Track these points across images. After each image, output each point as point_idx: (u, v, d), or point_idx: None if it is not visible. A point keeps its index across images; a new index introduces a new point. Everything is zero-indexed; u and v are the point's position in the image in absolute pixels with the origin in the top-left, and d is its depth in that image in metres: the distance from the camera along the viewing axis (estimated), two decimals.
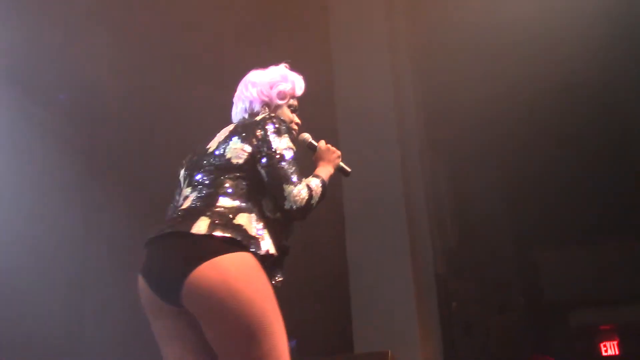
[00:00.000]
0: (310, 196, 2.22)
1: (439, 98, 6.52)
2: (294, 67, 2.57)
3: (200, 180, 2.28)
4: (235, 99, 2.53)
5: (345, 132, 5.71)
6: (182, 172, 2.39)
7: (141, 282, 2.11)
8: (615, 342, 8.12)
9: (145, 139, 5.88)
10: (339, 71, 5.88)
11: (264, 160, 2.22)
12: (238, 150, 2.25)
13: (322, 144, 2.53)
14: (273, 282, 2.13)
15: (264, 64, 2.59)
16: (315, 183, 2.27)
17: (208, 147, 2.36)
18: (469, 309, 5.65)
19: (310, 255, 5.86)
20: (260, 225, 2.15)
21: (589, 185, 7.26)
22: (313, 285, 5.79)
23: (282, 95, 2.50)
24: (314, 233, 5.75)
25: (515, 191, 7.44)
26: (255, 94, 2.48)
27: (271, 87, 2.51)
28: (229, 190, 2.20)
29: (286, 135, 2.27)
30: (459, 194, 7.12)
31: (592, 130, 7.23)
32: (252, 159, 2.23)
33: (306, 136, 2.56)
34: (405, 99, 6.05)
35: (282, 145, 2.24)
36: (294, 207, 2.18)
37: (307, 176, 2.28)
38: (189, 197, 2.25)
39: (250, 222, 2.13)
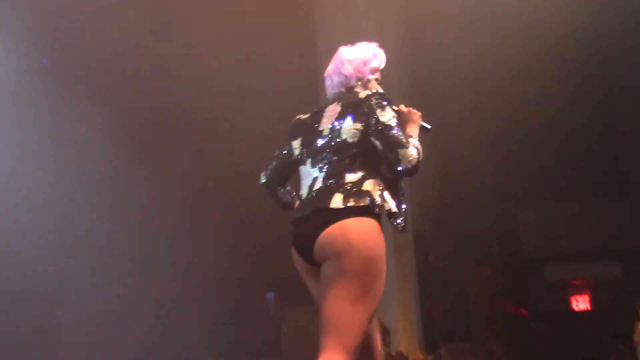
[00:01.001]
0: (419, 154, 2.56)
1: (424, 56, 6.47)
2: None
3: (325, 161, 2.65)
4: (330, 73, 2.85)
5: (323, 59, 5.65)
6: (299, 150, 2.68)
7: (294, 252, 2.57)
8: (586, 297, 8.30)
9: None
10: (321, 18, 5.78)
11: (375, 132, 2.56)
12: (352, 130, 2.59)
13: (402, 107, 2.79)
14: (396, 223, 2.47)
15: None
16: (417, 143, 2.60)
17: (322, 129, 2.70)
18: (446, 263, 5.72)
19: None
20: (382, 186, 2.53)
21: (570, 146, 7.29)
22: (289, 241, 5.79)
23: (373, 71, 2.81)
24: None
25: (497, 149, 7.46)
26: (351, 70, 2.80)
27: (364, 65, 2.81)
28: (351, 166, 2.56)
29: (388, 106, 2.59)
30: (441, 151, 7.12)
31: (575, 94, 7.25)
32: (365, 134, 2.56)
33: (393, 105, 2.75)
34: (390, 56, 5.97)
35: (387, 117, 2.58)
36: (409, 166, 2.51)
37: None
38: (318, 178, 2.62)
39: (374, 187, 2.52)
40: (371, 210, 2.46)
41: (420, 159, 2.56)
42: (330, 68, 2.87)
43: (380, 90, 2.74)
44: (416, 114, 2.79)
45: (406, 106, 2.74)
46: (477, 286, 5.33)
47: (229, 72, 5.85)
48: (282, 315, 4.67)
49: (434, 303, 5.68)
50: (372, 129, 2.59)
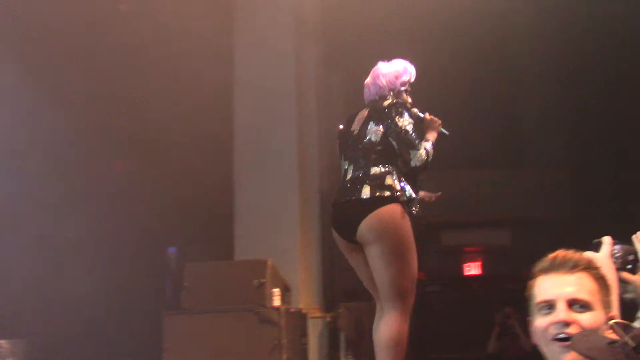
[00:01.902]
0: (428, 155, 3.25)
1: (340, 19, 6.46)
2: None
3: (353, 156, 3.33)
4: (368, 84, 3.50)
5: (241, 45, 5.59)
6: (338, 148, 3.44)
7: (334, 232, 3.31)
8: (478, 263, 8.74)
9: None
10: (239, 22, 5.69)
11: (393, 134, 3.25)
12: (375, 131, 3.29)
13: (427, 115, 3.48)
14: (414, 209, 3.23)
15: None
16: (429, 146, 3.30)
17: (353, 130, 3.38)
18: None
19: (196, 164, 5.77)
20: (400, 179, 3.23)
21: (472, 116, 7.54)
22: (197, 194, 5.73)
23: (403, 84, 3.49)
24: (203, 143, 5.66)
25: None
26: (385, 83, 3.45)
27: (396, 78, 3.48)
28: (376, 161, 3.26)
29: (406, 113, 3.28)
30: (350, 111, 7.19)
31: (479, 68, 7.49)
32: (385, 135, 3.26)
33: (415, 110, 3.47)
34: (305, 19, 5.94)
35: (403, 122, 3.25)
36: (419, 164, 3.22)
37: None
38: (348, 170, 3.31)
39: (394, 180, 3.23)
40: (394, 199, 3.17)
41: (429, 159, 3.24)
42: (368, 79, 3.52)
43: (409, 100, 3.45)
44: (437, 122, 3.46)
45: (430, 114, 3.43)
46: None
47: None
48: (183, 270, 4.62)
49: (336, 262, 5.79)
50: (391, 131, 3.25)
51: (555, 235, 7.08)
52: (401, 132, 3.24)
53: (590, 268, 1.65)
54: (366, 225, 3.13)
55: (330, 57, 6.48)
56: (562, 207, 7.79)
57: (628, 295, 1.93)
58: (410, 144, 3.25)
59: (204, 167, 5.67)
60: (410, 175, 3.28)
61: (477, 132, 7.47)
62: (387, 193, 3.17)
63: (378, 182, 3.20)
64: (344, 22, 6.55)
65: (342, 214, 3.25)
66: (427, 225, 7.00)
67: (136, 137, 5.74)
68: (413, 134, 3.26)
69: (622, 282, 1.95)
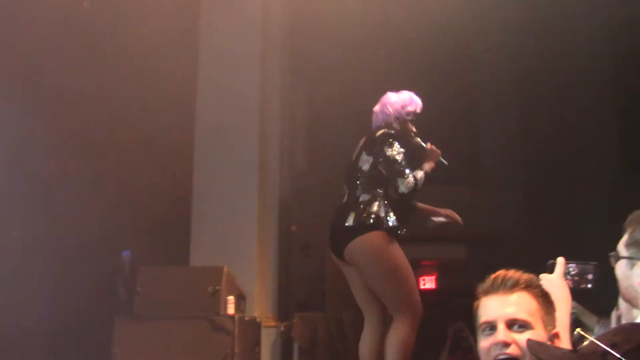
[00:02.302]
0: (417, 183, 3.50)
1: (307, 25, 6.49)
2: None
3: (349, 183, 3.61)
4: (376, 111, 3.79)
5: (206, 52, 5.55)
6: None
7: (329, 250, 3.66)
8: (433, 277, 8.81)
9: None
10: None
11: (383, 163, 3.52)
12: (366, 160, 3.56)
13: (428, 145, 3.77)
14: (399, 232, 3.52)
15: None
16: (420, 175, 3.56)
17: (353, 156, 3.68)
18: (307, 232, 5.82)
19: (155, 167, 5.70)
20: (386, 205, 3.48)
21: (430, 135, 7.62)
22: (154, 197, 5.64)
23: (408, 113, 3.78)
24: (163, 146, 5.59)
25: (366, 123, 7.66)
26: (392, 111, 3.75)
27: (403, 107, 3.77)
28: (365, 187, 3.52)
29: (395, 143, 3.54)
30: (313, 121, 7.21)
31: (443, 92, 7.61)
32: (375, 163, 3.53)
33: (418, 140, 3.81)
34: (271, 24, 5.93)
35: (392, 152, 3.51)
36: (406, 191, 3.47)
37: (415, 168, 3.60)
38: (344, 195, 3.60)
39: (380, 207, 3.47)
40: (376, 227, 3.44)
41: (419, 187, 3.50)
42: (376, 107, 3.79)
43: (413, 129, 3.76)
44: (437, 152, 3.74)
45: (431, 144, 3.70)
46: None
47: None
48: (136, 275, 4.54)
49: (292, 272, 5.78)
50: (380, 160, 3.51)
51: (508, 250, 7.20)
52: (389, 161, 3.52)
53: (530, 287, 1.67)
54: (350, 251, 3.48)
55: (295, 66, 6.48)
56: (515, 224, 7.93)
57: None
58: (398, 172, 3.52)
59: (163, 170, 5.59)
60: (402, 200, 3.56)
61: (449, 152, 7.56)
62: (370, 220, 3.47)
63: (363, 209, 3.50)
64: (310, 30, 6.58)
65: (333, 238, 3.62)
66: None
67: (93, 136, 5.64)
68: (402, 163, 3.53)
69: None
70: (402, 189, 3.52)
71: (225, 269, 4.60)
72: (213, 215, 5.39)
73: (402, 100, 3.81)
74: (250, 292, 5.16)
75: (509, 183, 8.21)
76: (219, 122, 5.53)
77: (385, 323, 3.74)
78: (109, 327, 4.44)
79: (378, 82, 7.01)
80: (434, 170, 3.77)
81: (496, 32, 7.60)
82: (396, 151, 3.54)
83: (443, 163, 3.76)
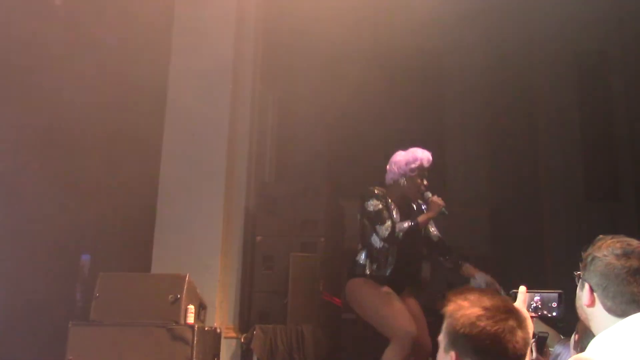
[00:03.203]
0: (393, 230, 4.10)
1: (279, 35, 6.49)
2: None
3: None
4: (387, 170, 4.29)
5: (176, 60, 5.51)
6: None
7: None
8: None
9: None
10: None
11: (364, 217, 4.24)
12: (359, 219, 4.30)
13: (432, 197, 4.22)
14: (379, 276, 4.25)
15: None
16: (404, 225, 4.16)
17: None
18: (272, 244, 5.77)
19: (119, 169, 5.61)
20: (369, 254, 4.24)
21: (397, 147, 7.65)
22: (117, 201, 5.55)
23: (412, 170, 4.22)
24: (129, 152, 5.51)
25: (335, 137, 7.68)
26: (396, 170, 4.24)
27: (406, 165, 4.22)
28: (360, 239, 4.32)
29: (372, 199, 4.17)
30: (283, 131, 7.19)
31: (410, 99, 7.67)
32: (362, 217, 4.26)
33: (428, 194, 4.26)
34: (243, 33, 5.91)
35: (370, 205, 4.15)
36: (386, 235, 4.10)
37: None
38: None
39: (361, 256, 4.28)
40: (355, 274, 4.25)
41: (397, 233, 4.07)
42: (388, 166, 4.27)
43: (424, 183, 4.22)
44: (439, 204, 4.17)
45: (436, 197, 4.18)
46: (298, 271, 5.44)
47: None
48: (95, 280, 4.45)
49: (255, 283, 5.72)
50: (361, 214, 4.22)
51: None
52: (368, 213, 4.14)
53: None
54: (346, 291, 4.39)
55: (266, 75, 6.46)
56: (480, 246, 8.00)
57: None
58: (375, 220, 4.13)
59: (128, 174, 5.51)
60: (380, 249, 4.18)
61: None
62: (354, 269, 4.26)
63: (353, 259, 4.33)
64: (282, 40, 6.58)
65: None
66: (348, 253, 7.04)
67: (57, 136, 5.52)
68: (379, 212, 4.10)
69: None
70: (382, 234, 4.09)
71: (187, 278, 4.53)
72: (177, 223, 5.31)
73: (406, 159, 4.22)
74: (211, 302, 5.09)
75: (476, 205, 8.29)
76: (188, 129, 5.47)
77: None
78: (65, 332, 4.34)
79: (349, 93, 7.06)
80: (430, 219, 4.31)
81: (466, 51, 7.70)
82: (372, 205, 4.12)
83: (444, 213, 4.17)
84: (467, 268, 4.38)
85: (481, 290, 1.75)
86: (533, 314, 2.00)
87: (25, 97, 5.43)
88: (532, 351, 1.98)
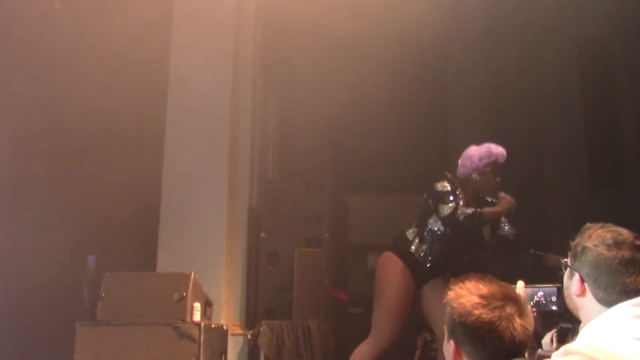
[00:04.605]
0: (455, 211, 3.92)
1: (279, 36, 6.49)
2: None
3: None
4: (459, 164, 4.14)
5: (177, 61, 5.51)
6: None
7: None
8: None
9: None
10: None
11: (430, 196, 4.10)
12: (424, 196, 4.18)
13: (503, 195, 4.07)
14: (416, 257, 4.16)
15: None
16: (468, 210, 3.95)
17: None
18: (276, 240, 5.79)
19: (123, 170, 5.62)
20: (418, 234, 4.14)
21: (400, 142, 7.67)
22: (121, 201, 5.57)
23: (486, 165, 4.08)
24: (132, 151, 5.53)
25: (337, 132, 7.68)
26: (469, 165, 4.09)
27: (479, 160, 4.07)
28: (417, 221, 4.26)
29: (443, 180, 4.04)
30: (285, 127, 7.19)
31: (413, 94, 7.65)
32: (427, 198, 4.13)
33: (502, 193, 4.11)
34: (243, 34, 5.91)
35: (438, 185, 4.00)
36: (445, 215, 3.93)
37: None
38: None
39: (411, 232, 4.18)
40: (394, 248, 4.10)
41: (459, 217, 3.88)
42: (459, 160, 4.16)
43: (497, 179, 4.06)
44: (505, 199, 4.01)
45: (507, 195, 4.03)
46: (304, 267, 5.45)
47: None
48: (101, 280, 4.47)
49: (260, 280, 5.73)
50: (429, 194, 4.08)
51: (474, 268, 7.22)
52: (434, 192, 4.00)
53: None
54: None
55: (267, 75, 6.47)
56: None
57: None
58: (440, 199, 3.97)
59: (131, 174, 5.52)
60: (434, 232, 4.05)
61: (407, 158, 7.59)
62: (398, 242, 4.14)
63: (401, 233, 4.22)
64: (282, 41, 6.58)
65: None
66: (353, 248, 7.05)
67: (59, 138, 5.54)
68: (446, 192, 3.96)
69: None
70: (442, 213, 3.93)
71: (192, 276, 4.54)
72: (181, 222, 5.33)
73: (480, 154, 4.09)
74: (217, 299, 5.11)
75: None
76: (189, 128, 5.48)
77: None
78: (72, 332, 4.36)
79: (349, 92, 7.06)
80: (499, 215, 4.09)
81: (467, 45, 7.67)
82: (440, 185, 4.00)
83: (511, 211, 4.06)
84: (552, 258, 4.01)
85: (480, 278, 1.75)
86: (534, 310, 1.98)
87: (27, 99, 5.45)
88: (552, 341, 1.98)
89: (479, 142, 7.61)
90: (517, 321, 1.64)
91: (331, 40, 6.64)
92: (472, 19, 7.26)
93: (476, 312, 1.64)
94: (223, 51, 5.59)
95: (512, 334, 1.62)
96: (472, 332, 1.64)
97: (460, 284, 1.74)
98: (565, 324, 2.00)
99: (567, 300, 1.94)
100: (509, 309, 1.65)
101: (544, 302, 2.03)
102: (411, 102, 7.76)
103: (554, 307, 2.02)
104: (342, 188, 6.66)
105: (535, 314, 1.92)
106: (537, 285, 2.05)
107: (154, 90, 5.57)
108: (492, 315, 1.63)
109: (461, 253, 4.12)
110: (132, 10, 5.36)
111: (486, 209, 3.99)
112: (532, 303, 2.01)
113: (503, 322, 1.62)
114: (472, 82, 7.97)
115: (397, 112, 7.58)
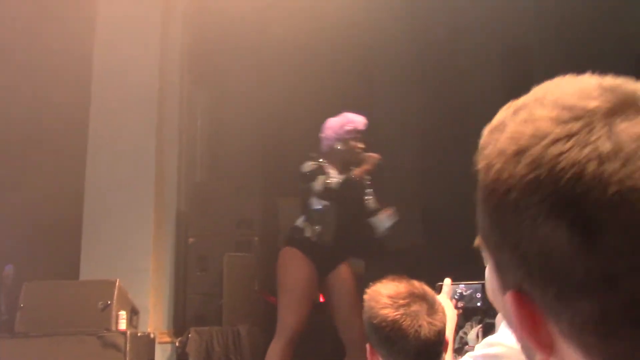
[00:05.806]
0: (328, 182, 4.01)
1: (208, 33, 6.39)
2: None
3: None
4: (321, 137, 4.22)
5: (101, 57, 5.35)
6: None
7: None
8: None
9: None
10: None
11: (301, 185, 4.27)
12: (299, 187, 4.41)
13: (371, 154, 4.14)
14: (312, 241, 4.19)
15: None
16: (340, 177, 4.06)
17: None
18: (205, 245, 5.69)
19: (42, 172, 5.40)
20: (306, 219, 4.20)
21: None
22: (41, 206, 5.34)
23: (348, 132, 4.10)
24: (53, 156, 5.33)
25: (268, 135, 7.63)
26: (332, 133, 4.11)
27: (340, 128, 4.09)
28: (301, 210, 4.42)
29: (308, 162, 4.10)
30: (215, 130, 7.08)
31: (340, 95, 7.69)
32: (300, 186, 4.24)
33: (364, 155, 4.18)
34: (171, 31, 5.79)
35: (305, 168, 4.08)
36: (320, 188, 3.99)
37: None
38: None
39: (300, 220, 4.24)
40: (294, 238, 4.15)
41: (333, 185, 3.88)
42: (321, 134, 4.26)
43: (359, 145, 4.17)
44: (372, 157, 4.11)
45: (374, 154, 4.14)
46: (233, 272, 5.38)
47: None
48: (20, 290, 4.27)
49: (189, 285, 5.62)
50: (300, 181, 4.21)
51: (405, 265, 7.32)
52: (303, 176, 4.05)
53: None
54: None
55: (196, 74, 6.36)
56: (413, 239, 8.09)
57: None
58: (309, 179, 4.01)
59: (52, 178, 5.30)
60: (325, 207, 4.04)
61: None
62: (291, 234, 4.22)
63: (290, 227, 4.37)
64: (211, 39, 6.49)
65: None
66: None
67: None
68: (312, 171, 3.96)
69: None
70: (316, 188, 3.93)
71: (117, 283, 4.42)
72: (105, 228, 5.16)
73: (340, 122, 4.12)
74: (144, 307, 4.98)
75: (407, 198, 8.40)
76: (114, 128, 5.32)
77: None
78: None
79: (281, 92, 7.02)
80: (368, 171, 4.08)
81: (394, 47, 7.77)
82: (307, 166, 4.01)
83: (380, 165, 4.08)
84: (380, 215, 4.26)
85: (394, 278, 1.76)
86: (460, 306, 2.02)
87: None
88: (478, 337, 2.01)
89: (410, 140, 7.70)
90: (424, 318, 1.63)
91: (261, 41, 6.60)
92: (398, 21, 7.36)
93: (382, 312, 1.64)
94: (149, 53, 5.46)
95: (416, 331, 1.61)
96: (379, 332, 1.64)
97: (373, 287, 1.75)
98: (490, 320, 2.04)
99: (488, 294, 1.97)
100: (415, 307, 1.65)
101: (469, 298, 2.07)
102: (341, 106, 7.79)
103: (479, 304, 2.06)
104: (273, 191, 6.61)
105: (460, 310, 1.96)
106: (462, 282, 2.08)
107: (76, 92, 5.38)
108: (396, 313, 1.63)
109: (352, 224, 4.19)
110: (52, 12, 5.17)
111: (355, 170, 4.07)
112: (456, 298, 2.04)
113: (407, 320, 1.62)
114: (399, 83, 8.07)
115: (328, 115, 7.60)
